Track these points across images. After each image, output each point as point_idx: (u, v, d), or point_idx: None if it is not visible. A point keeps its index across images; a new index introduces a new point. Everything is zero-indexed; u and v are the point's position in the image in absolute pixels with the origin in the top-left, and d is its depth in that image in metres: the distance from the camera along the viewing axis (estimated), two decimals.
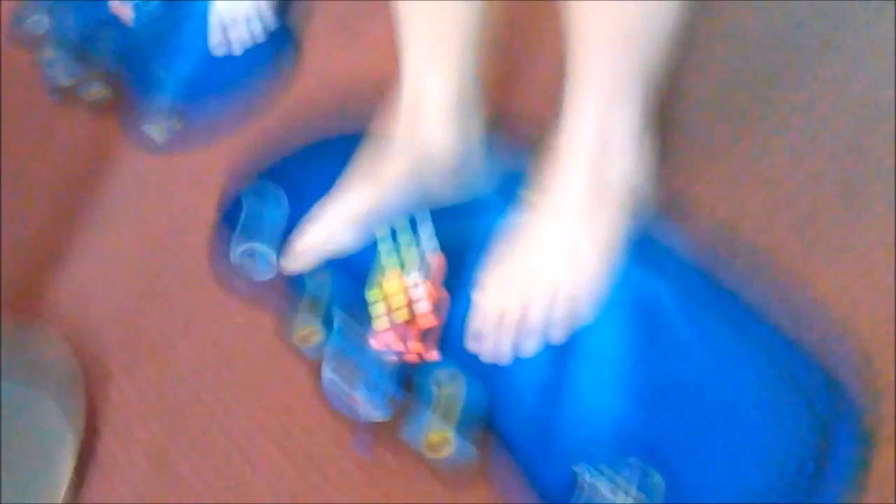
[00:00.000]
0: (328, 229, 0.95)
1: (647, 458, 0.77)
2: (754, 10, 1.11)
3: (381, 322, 0.89)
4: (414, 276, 0.90)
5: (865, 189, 0.91)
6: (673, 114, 1.00)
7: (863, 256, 0.87)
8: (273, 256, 1.03)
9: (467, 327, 0.88)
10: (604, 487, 0.76)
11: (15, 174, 1.29)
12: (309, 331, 0.93)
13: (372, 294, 0.91)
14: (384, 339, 0.89)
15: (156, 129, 1.29)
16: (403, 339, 0.88)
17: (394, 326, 0.88)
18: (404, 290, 0.90)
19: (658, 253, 0.92)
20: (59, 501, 0.87)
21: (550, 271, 0.86)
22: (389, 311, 0.89)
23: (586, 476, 0.77)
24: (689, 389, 0.82)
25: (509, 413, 0.83)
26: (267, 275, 1.03)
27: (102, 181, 1.24)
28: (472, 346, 0.87)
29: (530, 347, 0.86)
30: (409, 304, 0.89)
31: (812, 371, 0.80)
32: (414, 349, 0.88)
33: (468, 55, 0.90)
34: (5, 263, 1.15)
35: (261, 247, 1.06)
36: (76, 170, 1.27)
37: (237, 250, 1.06)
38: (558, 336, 0.86)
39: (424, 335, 0.88)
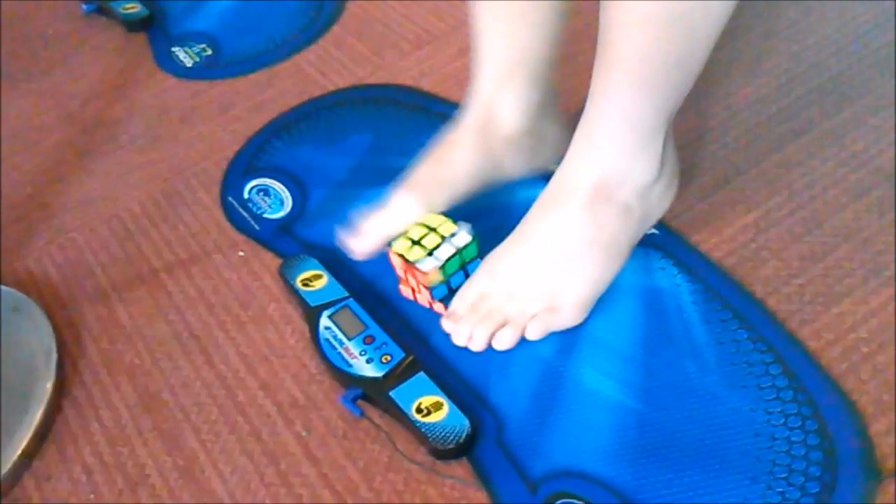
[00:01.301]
0: (398, 211, 0.89)
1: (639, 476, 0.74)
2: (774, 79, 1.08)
3: (402, 245, 0.86)
4: (460, 237, 0.86)
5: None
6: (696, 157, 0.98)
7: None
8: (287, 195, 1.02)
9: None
10: None
11: (39, 82, 1.28)
12: (312, 274, 0.90)
13: (427, 219, 0.88)
14: (395, 260, 0.87)
15: (185, 53, 1.26)
16: (407, 274, 0.86)
17: (405, 260, 0.85)
18: (441, 237, 0.86)
19: (683, 248, 0.89)
20: (36, 422, 0.84)
21: (540, 266, 0.83)
22: (416, 242, 0.86)
23: None
24: (694, 393, 0.78)
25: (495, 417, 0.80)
26: (277, 213, 1.00)
27: (125, 98, 1.22)
28: (445, 325, 0.85)
29: (505, 340, 0.82)
30: (431, 251, 0.85)
31: (830, 395, 0.77)
32: (419, 292, 0.87)
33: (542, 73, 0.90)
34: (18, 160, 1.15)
35: (275, 184, 1.04)
36: (100, 84, 1.25)
37: (250, 185, 1.05)
38: (535, 334, 0.82)
39: (432, 291, 0.85)
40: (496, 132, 0.90)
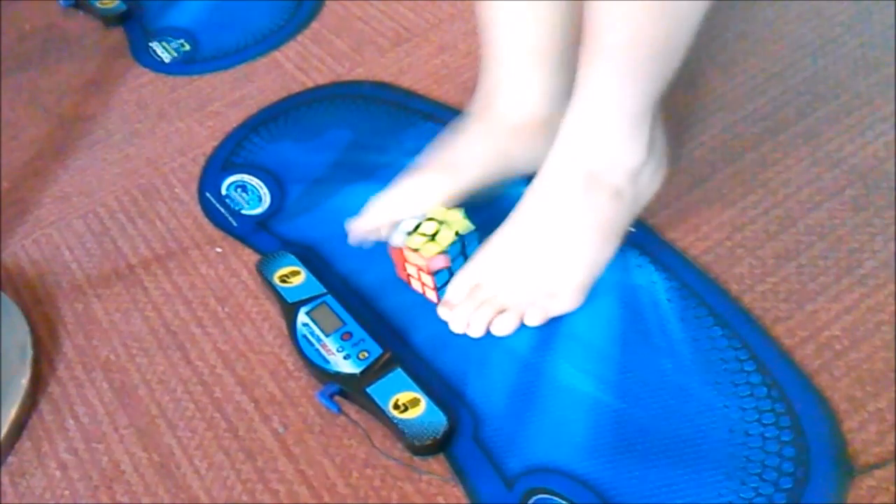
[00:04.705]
0: (406, 193, 0.89)
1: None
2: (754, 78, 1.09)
3: (412, 240, 0.85)
4: (460, 224, 0.86)
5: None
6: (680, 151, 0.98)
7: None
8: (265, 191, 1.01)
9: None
10: None
11: (15, 77, 1.27)
12: (290, 271, 0.90)
13: (435, 212, 0.87)
14: (399, 252, 0.86)
15: (163, 48, 1.26)
16: (415, 265, 0.86)
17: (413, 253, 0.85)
18: (440, 222, 0.86)
19: (660, 246, 0.90)
20: (10, 418, 0.84)
21: (537, 252, 0.83)
22: (416, 228, 0.86)
23: None
24: (670, 389, 0.79)
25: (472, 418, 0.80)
26: (255, 209, 1.00)
27: (102, 93, 1.21)
28: (442, 312, 0.85)
29: (505, 326, 0.83)
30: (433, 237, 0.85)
31: (804, 391, 0.77)
32: (420, 278, 0.86)
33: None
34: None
35: (253, 181, 1.04)
36: (77, 79, 1.24)
37: (228, 181, 1.04)
38: (535, 320, 0.83)
39: (435, 277, 0.85)
40: (509, 122, 0.91)
